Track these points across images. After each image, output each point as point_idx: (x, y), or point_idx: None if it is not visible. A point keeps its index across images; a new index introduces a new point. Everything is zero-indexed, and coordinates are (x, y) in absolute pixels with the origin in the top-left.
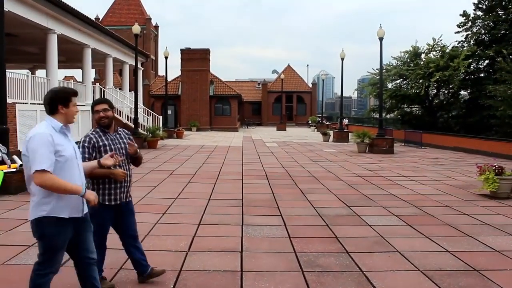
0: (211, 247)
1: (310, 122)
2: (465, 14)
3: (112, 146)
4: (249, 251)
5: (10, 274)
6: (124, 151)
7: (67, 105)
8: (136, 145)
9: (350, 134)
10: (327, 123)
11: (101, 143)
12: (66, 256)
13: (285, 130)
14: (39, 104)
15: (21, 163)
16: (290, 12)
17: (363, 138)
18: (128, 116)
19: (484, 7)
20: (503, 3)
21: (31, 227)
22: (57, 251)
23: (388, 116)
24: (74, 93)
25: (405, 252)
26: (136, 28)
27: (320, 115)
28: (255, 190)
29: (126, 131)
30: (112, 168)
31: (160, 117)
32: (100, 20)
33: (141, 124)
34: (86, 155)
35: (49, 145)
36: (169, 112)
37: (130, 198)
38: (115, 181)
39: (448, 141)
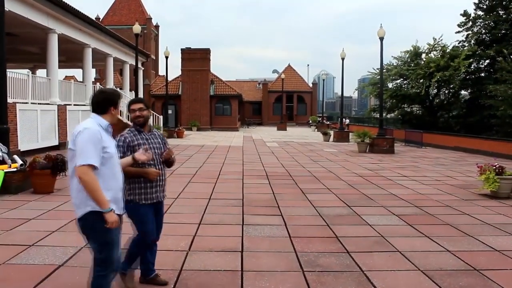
0: (212, 247)
1: (310, 122)
2: (465, 14)
3: (147, 146)
4: (250, 250)
5: (11, 274)
6: (158, 151)
7: (116, 107)
8: (172, 151)
9: (350, 134)
10: (328, 123)
11: (135, 142)
12: (65, 254)
13: (286, 130)
14: (40, 103)
15: (21, 162)
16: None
17: (364, 138)
18: (128, 116)
19: (484, 6)
20: (504, 2)
21: (79, 225)
22: (112, 247)
23: (388, 116)
24: (118, 95)
25: (405, 251)
26: (137, 28)
27: (321, 115)
28: (255, 190)
29: (160, 132)
30: (146, 167)
31: (161, 117)
32: (100, 19)
33: None
34: (120, 154)
35: (97, 141)
36: (170, 111)
37: (163, 199)
38: (149, 180)
39: (449, 141)
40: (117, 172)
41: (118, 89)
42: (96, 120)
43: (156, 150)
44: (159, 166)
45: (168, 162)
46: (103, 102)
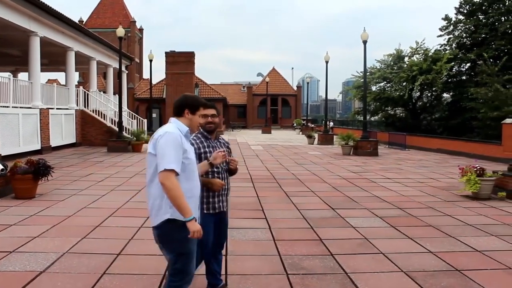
0: None
1: (295, 124)
2: (447, 18)
3: (225, 152)
4: (234, 254)
5: None
6: (223, 159)
7: (194, 112)
8: (237, 160)
9: (334, 136)
10: (312, 125)
11: (202, 150)
12: (47, 260)
13: (270, 133)
14: (22, 107)
15: (2, 167)
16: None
17: (348, 140)
18: (112, 120)
19: (465, 11)
20: (484, 7)
21: (155, 234)
22: (188, 258)
23: (372, 118)
24: (204, 104)
25: (388, 253)
26: (120, 31)
27: (305, 118)
28: (240, 193)
29: (225, 140)
30: (213, 176)
31: (145, 121)
32: (84, 22)
33: (126, 128)
34: None
35: (179, 146)
36: (154, 115)
37: (227, 208)
38: (212, 189)
39: (431, 143)
40: (197, 179)
41: (195, 95)
42: (176, 125)
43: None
44: (224, 175)
45: (231, 170)
46: (179, 105)
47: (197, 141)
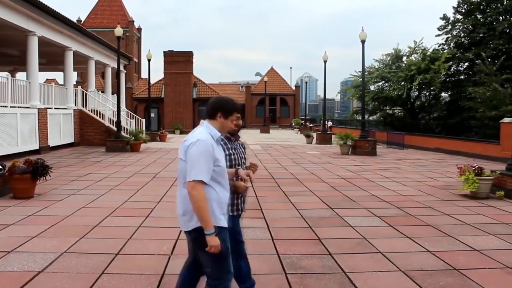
0: None
1: (293, 124)
2: (445, 18)
3: (236, 155)
4: None
5: None
6: (243, 160)
7: (226, 116)
8: (257, 166)
9: (333, 136)
10: (311, 125)
11: (227, 152)
12: (45, 260)
13: (269, 133)
14: (20, 107)
15: (0, 167)
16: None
17: (346, 140)
18: (110, 119)
19: (463, 10)
20: (481, 7)
21: (190, 237)
22: (225, 259)
23: (370, 118)
24: (238, 109)
25: (387, 253)
26: (119, 31)
27: (304, 118)
28: None
29: (242, 141)
30: (234, 180)
31: (143, 120)
32: (82, 22)
33: (124, 127)
34: None
35: (210, 155)
36: (152, 115)
37: (244, 210)
38: (237, 192)
39: (430, 143)
40: (227, 185)
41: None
42: (208, 130)
43: (242, 160)
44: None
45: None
46: (213, 108)
47: (222, 143)
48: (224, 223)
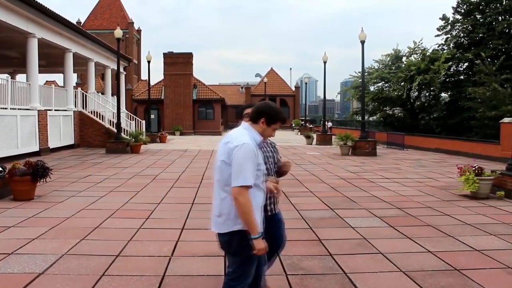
0: (195, 252)
1: (293, 125)
2: (444, 18)
3: (266, 154)
4: None
5: None
6: (271, 160)
7: (269, 123)
8: (291, 162)
9: (333, 137)
10: (311, 126)
11: (265, 154)
12: (46, 262)
13: None
14: (20, 109)
15: (0, 169)
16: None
17: (346, 140)
18: (110, 121)
19: (462, 11)
20: (481, 7)
21: (222, 240)
22: (252, 264)
23: (370, 118)
24: (283, 119)
25: (387, 253)
26: (118, 32)
27: (304, 118)
28: None
29: (271, 140)
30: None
31: (143, 122)
32: (82, 24)
33: (124, 129)
34: None
35: (255, 159)
36: (152, 116)
37: (279, 210)
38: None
39: (430, 143)
40: (264, 188)
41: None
42: (250, 134)
43: (270, 159)
44: (274, 176)
45: (282, 173)
46: (258, 112)
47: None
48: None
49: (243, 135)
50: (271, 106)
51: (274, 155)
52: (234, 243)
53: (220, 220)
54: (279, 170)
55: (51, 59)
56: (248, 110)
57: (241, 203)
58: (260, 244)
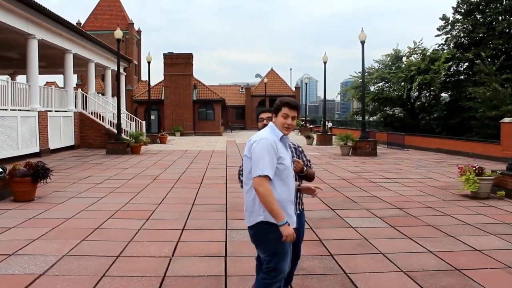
0: (195, 252)
1: None
2: (444, 18)
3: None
4: (233, 255)
5: None
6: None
7: (276, 113)
8: (302, 162)
9: (333, 137)
10: (311, 126)
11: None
12: (46, 263)
13: None
14: (20, 110)
15: (1, 170)
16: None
17: (346, 141)
18: (111, 122)
19: (462, 11)
20: (481, 7)
21: (251, 233)
22: (282, 257)
23: (371, 118)
24: (285, 103)
25: (388, 253)
26: (118, 33)
27: (304, 119)
28: (239, 195)
29: (294, 142)
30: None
31: (144, 122)
32: (82, 25)
33: (124, 130)
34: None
35: (273, 152)
36: (153, 117)
37: (300, 211)
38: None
39: (430, 143)
40: (290, 184)
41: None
42: (272, 130)
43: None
44: (296, 176)
45: (304, 177)
46: (273, 110)
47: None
48: None
49: (264, 131)
50: (277, 100)
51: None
52: (260, 235)
53: (247, 214)
54: (305, 175)
55: (51, 60)
56: (263, 115)
57: (260, 192)
58: (287, 230)
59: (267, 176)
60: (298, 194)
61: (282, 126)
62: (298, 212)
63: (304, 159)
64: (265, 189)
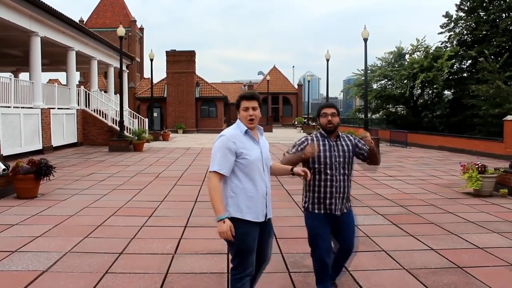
0: (198, 250)
1: (296, 123)
2: (447, 15)
3: (327, 153)
4: None
5: None
6: (341, 159)
7: (237, 108)
8: (368, 136)
9: None
10: (313, 124)
11: (321, 153)
12: (49, 260)
13: (272, 132)
14: (23, 107)
15: (4, 167)
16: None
17: None
18: (113, 119)
19: (466, 8)
20: (484, 4)
21: None
22: (246, 253)
23: (373, 116)
24: (243, 96)
25: (390, 251)
26: (121, 31)
27: (306, 116)
28: None
29: (352, 136)
30: (321, 176)
31: (146, 120)
32: (84, 22)
33: (127, 127)
34: (293, 150)
35: (226, 149)
36: (155, 114)
37: (346, 210)
38: (325, 190)
39: (433, 141)
40: (256, 177)
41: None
42: (237, 126)
43: (338, 159)
44: (339, 177)
45: (371, 155)
46: (236, 107)
47: (313, 139)
48: (246, 216)
49: (230, 128)
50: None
51: (349, 154)
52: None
53: None
54: (369, 153)
55: (54, 58)
56: (327, 110)
57: (208, 187)
58: (220, 226)
59: (215, 172)
60: (338, 195)
61: (246, 119)
62: (340, 212)
63: (359, 144)
64: (211, 184)
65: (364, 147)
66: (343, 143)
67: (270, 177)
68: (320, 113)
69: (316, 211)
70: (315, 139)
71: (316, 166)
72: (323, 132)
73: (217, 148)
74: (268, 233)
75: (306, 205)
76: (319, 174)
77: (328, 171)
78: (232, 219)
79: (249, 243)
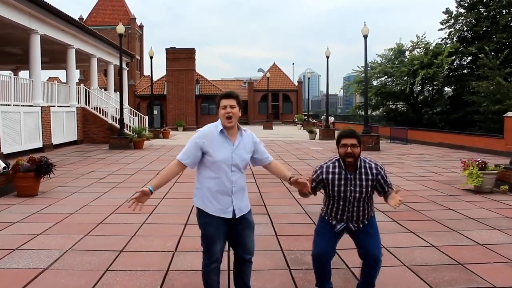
0: (198, 247)
1: (296, 120)
2: (447, 12)
3: (342, 188)
4: None
5: None
6: (358, 195)
7: (218, 108)
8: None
9: (336, 131)
10: (313, 121)
11: (330, 182)
12: (50, 257)
13: (272, 129)
14: (23, 105)
15: (4, 165)
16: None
17: None
18: (113, 117)
19: (466, 4)
20: (484, 0)
21: None
22: (210, 241)
23: (373, 113)
24: (222, 96)
25: (391, 247)
26: (121, 28)
27: (306, 113)
28: None
29: (377, 165)
30: (333, 203)
31: (146, 117)
32: (84, 20)
33: (127, 125)
34: (313, 184)
35: (195, 143)
36: (155, 112)
37: (362, 225)
38: (338, 213)
39: (433, 137)
40: (222, 177)
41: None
42: (217, 123)
43: (353, 194)
44: (354, 209)
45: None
46: (217, 108)
47: (328, 170)
48: (206, 209)
49: (208, 125)
50: None
51: (367, 189)
52: (196, 218)
53: None
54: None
55: (54, 56)
56: (346, 140)
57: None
58: (137, 197)
59: (178, 160)
60: (349, 214)
61: (224, 116)
62: (355, 227)
63: (382, 181)
64: (168, 166)
65: (386, 189)
66: (363, 176)
67: (243, 177)
68: (339, 143)
69: (330, 221)
70: (330, 170)
71: (330, 193)
72: (341, 161)
73: (190, 140)
74: (244, 227)
75: (323, 212)
76: (333, 199)
77: (341, 202)
78: (197, 208)
79: (211, 232)
